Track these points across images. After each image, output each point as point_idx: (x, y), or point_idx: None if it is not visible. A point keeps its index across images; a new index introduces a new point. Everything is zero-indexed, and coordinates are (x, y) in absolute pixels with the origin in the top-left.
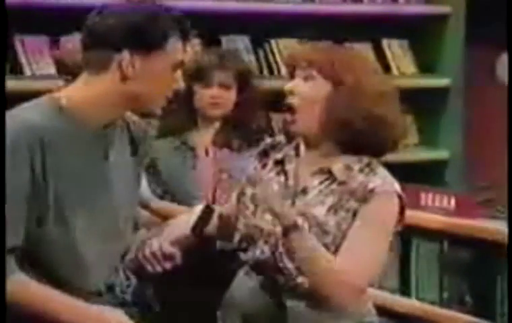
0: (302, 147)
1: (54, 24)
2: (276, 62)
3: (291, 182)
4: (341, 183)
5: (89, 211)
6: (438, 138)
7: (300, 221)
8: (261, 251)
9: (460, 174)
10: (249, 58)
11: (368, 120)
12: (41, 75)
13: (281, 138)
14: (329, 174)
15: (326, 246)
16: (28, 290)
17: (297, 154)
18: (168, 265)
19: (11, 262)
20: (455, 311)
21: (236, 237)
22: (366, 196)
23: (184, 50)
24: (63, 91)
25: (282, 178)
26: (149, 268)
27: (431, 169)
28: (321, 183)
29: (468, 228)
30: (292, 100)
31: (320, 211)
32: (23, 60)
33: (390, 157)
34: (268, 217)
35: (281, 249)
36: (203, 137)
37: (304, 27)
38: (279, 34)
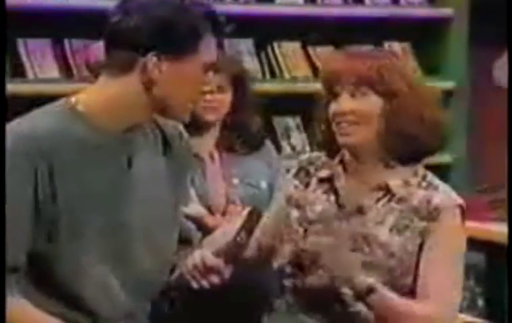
0: (349, 162)
1: (57, 27)
2: (279, 65)
3: (343, 200)
4: (400, 200)
5: (108, 226)
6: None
7: (375, 282)
8: (318, 276)
9: (465, 177)
10: (252, 61)
11: (428, 124)
12: (43, 78)
13: (319, 154)
14: (386, 191)
15: (391, 269)
16: (28, 316)
17: (344, 170)
18: (214, 279)
19: (11, 283)
20: (466, 315)
21: (280, 262)
22: (431, 214)
23: (218, 49)
24: (79, 94)
25: (332, 197)
26: (194, 283)
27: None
28: (377, 201)
29: (480, 231)
30: (346, 118)
31: (381, 231)
32: (26, 63)
33: None
34: (323, 239)
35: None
36: (202, 142)
37: (306, 30)
38: (282, 37)
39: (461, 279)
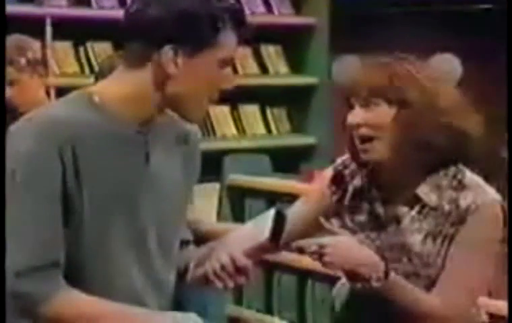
0: (378, 172)
1: None
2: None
3: (379, 210)
4: (433, 207)
5: (128, 216)
6: (307, 126)
7: (392, 274)
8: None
9: (327, 157)
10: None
11: (446, 133)
12: None
13: (350, 161)
14: (418, 200)
15: (430, 278)
16: (83, 304)
17: (376, 179)
18: (241, 280)
19: (57, 277)
20: None
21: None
22: (460, 218)
23: (236, 44)
24: (95, 86)
25: (368, 207)
26: (218, 284)
27: (301, 153)
28: (411, 208)
29: None
30: (360, 131)
31: (416, 240)
32: None
33: (267, 142)
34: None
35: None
36: None
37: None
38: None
39: (483, 282)
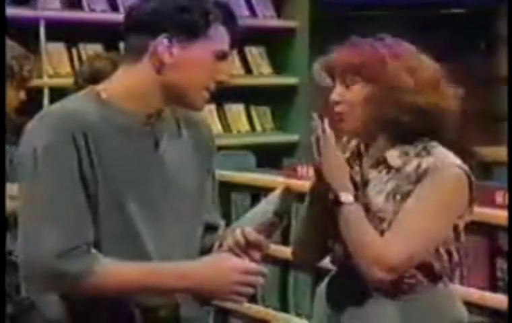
0: (362, 145)
1: None
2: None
3: (354, 176)
4: (398, 170)
5: (143, 203)
6: (290, 124)
7: (344, 196)
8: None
9: (308, 154)
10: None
11: (414, 112)
12: None
13: None
14: (384, 163)
15: (383, 232)
16: (128, 271)
17: (359, 152)
18: (256, 255)
19: (94, 253)
20: None
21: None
22: (419, 177)
23: (229, 39)
24: (101, 85)
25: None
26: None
27: (285, 149)
28: (379, 172)
29: None
30: (338, 108)
31: (379, 200)
32: None
33: (251, 139)
34: None
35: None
36: None
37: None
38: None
39: (433, 235)
